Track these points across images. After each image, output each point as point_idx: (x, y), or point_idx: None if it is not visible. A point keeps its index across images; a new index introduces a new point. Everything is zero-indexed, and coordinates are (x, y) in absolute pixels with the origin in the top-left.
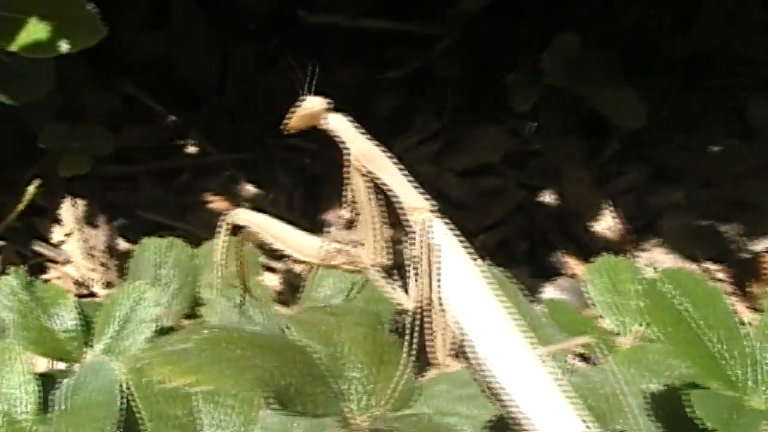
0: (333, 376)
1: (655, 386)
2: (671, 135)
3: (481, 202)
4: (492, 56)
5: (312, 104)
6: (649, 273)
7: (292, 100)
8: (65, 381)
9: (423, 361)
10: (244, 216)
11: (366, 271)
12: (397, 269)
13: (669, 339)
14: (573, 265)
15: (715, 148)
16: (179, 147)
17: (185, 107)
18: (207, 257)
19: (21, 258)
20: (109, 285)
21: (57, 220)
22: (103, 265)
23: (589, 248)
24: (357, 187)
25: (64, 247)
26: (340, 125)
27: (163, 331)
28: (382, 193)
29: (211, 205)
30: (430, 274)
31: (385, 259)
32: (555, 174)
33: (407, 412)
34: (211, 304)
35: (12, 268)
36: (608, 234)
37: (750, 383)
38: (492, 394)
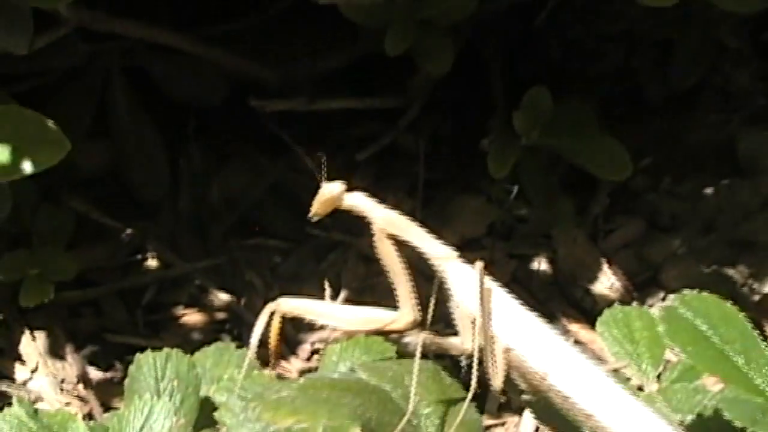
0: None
1: (689, 419)
2: (661, 182)
3: None
4: (461, 123)
5: (331, 189)
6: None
7: (254, 197)
8: None
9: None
10: (286, 305)
11: (410, 329)
12: None
13: (692, 357)
14: (578, 331)
15: (709, 191)
16: (139, 262)
17: (140, 218)
18: (204, 366)
19: None
20: (89, 417)
21: (18, 358)
22: (77, 397)
23: (592, 312)
24: (386, 253)
25: (31, 385)
26: (360, 201)
27: None
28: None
29: (185, 319)
30: (483, 314)
31: (420, 315)
32: (545, 239)
33: None
34: (226, 405)
35: (15, 398)
36: (610, 294)
37: None
38: (579, 413)
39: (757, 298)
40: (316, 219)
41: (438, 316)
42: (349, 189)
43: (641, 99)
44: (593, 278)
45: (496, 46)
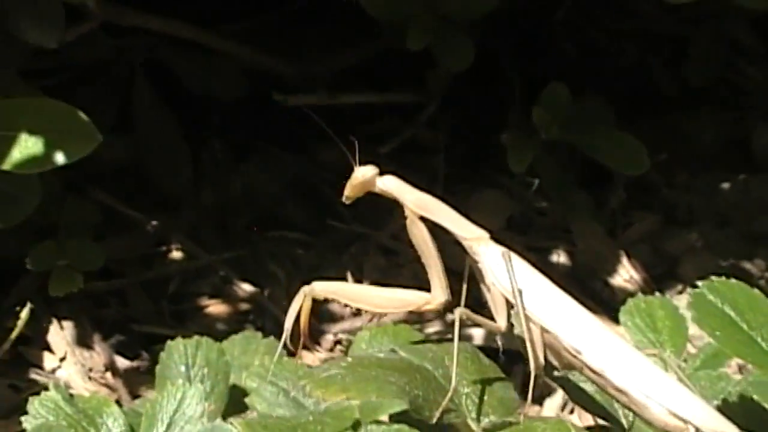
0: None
1: (714, 404)
2: (677, 177)
3: None
4: (480, 118)
5: (364, 173)
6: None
7: (276, 190)
8: None
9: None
10: (320, 288)
11: (440, 308)
12: None
13: (721, 342)
14: None
15: (725, 185)
16: (163, 254)
17: (163, 211)
18: (232, 354)
19: (16, 391)
20: (118, 405)
21: (46, 347)
22: (105, 385)
23: (610, 303)
24: (418, 236)
25: (60, 373)
26: (392, 184)
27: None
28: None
29: (209, 310)
30: (513, 293)
31: (450, 296)
32: (563, 232)
33: (509, 419)
34: (258, 391)
35: (51, 383)
36: (629, 286)
37: None
38: (614, 389)
39: None
40: (348, 202)
41: (469, 297)
42: (381, 173)
43: (657, 95)
44: (612, 271)
45: (513, 43)
